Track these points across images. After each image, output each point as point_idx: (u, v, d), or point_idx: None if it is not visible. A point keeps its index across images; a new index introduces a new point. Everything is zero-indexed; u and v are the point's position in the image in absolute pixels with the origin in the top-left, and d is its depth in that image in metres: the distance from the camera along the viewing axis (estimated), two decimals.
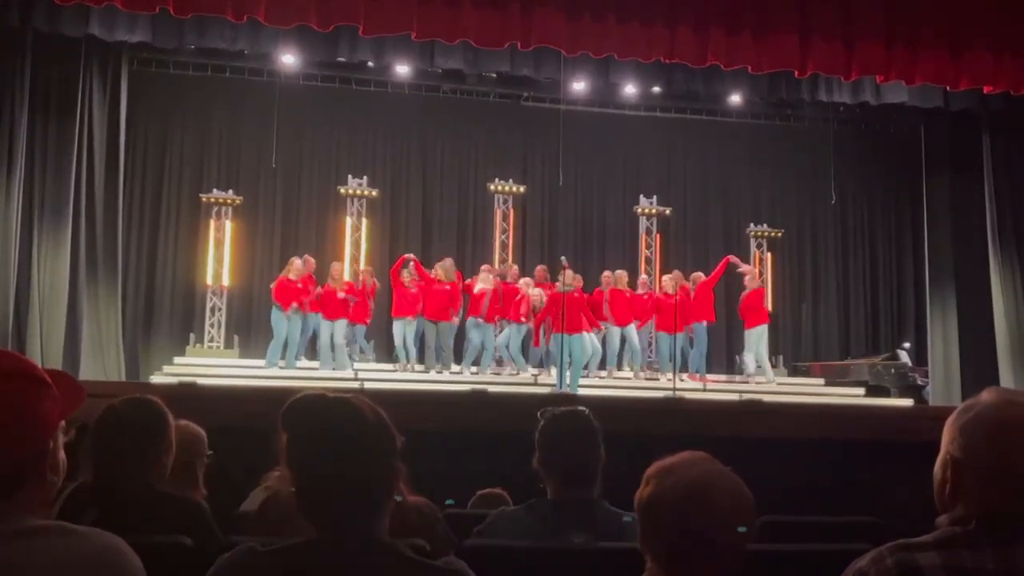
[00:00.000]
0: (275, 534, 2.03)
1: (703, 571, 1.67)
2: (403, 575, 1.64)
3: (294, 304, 10.80)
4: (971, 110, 12.04)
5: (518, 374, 11.14)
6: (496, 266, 12.51)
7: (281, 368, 10.84)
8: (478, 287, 11.16)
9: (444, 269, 11.27)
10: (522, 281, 11.39)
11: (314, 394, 1.71)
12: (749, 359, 11.46)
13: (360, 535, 1.64)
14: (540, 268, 11.82)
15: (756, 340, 11.42)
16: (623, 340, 11.53)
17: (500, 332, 11.29)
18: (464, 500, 3.85)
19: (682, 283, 11.49)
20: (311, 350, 11.46)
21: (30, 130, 10.62)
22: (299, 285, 10.95)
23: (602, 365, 11.52)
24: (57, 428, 1.53)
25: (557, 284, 10.59)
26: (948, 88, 10.96)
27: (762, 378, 11.47)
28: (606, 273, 11.66)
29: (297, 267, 10.99)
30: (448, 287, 11.12)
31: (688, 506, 1.66)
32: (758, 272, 12.54)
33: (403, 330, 11.07)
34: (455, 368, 11.30)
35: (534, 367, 11.38)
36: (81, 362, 10.53)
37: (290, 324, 10.86)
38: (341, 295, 10.99)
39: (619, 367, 11.68)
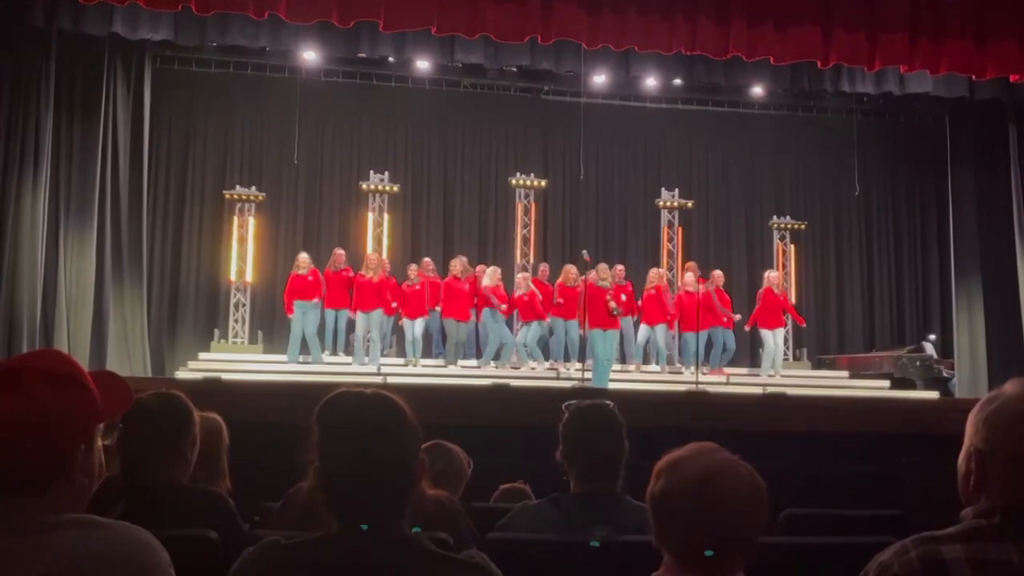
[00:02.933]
0: (299, 527, 2.04)
1: (719, 563, 1.67)
2: (426, 568, 1.64)
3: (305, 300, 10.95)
4: (997, 100, 11.88)
5: (535, 368, 11.17)
6: (518, 260, 12.56)
7: (305, 363, 10.92)
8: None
9: (462, 266, 11.34)
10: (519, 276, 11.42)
11: (352, 391, 1.72)
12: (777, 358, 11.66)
13: (384, 529, 1.65)
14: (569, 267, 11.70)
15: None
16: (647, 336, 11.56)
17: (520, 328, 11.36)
18: (487, 494, 3.87)
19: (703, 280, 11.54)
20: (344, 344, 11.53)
21: (55, 129, 10.72)
22: (309, 279, 11.02)
23: (624, 359, 11.54)
24: (90, 431, 1.53)
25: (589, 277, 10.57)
26: (973, 77, 10.83)
27: (771, 370, 11.57)
28: (619, 267, 11.63)
29: (302, 261, 11.10)
30: (467, 286, 11.17)
31: (700, 498, 1.66)
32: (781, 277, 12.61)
33: (411, 326, 11.21)
34: (470, 362, 11.34)
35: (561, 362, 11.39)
36: (107, 358, 10.63)
37: (303, 319, 10.93)
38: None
39: (645, 361, 11.68)
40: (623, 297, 10.85)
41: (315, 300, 10.98)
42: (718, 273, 11.95)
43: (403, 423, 1.69)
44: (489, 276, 11.24)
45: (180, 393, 2.83)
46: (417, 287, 11.24)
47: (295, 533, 1.71)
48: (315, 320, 11.02)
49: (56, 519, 1.44)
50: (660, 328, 11.43)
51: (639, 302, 11.34)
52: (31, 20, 10.07)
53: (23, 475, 1.44)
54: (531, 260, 12.61)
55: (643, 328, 11.47)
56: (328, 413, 1.69)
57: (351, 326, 11.16)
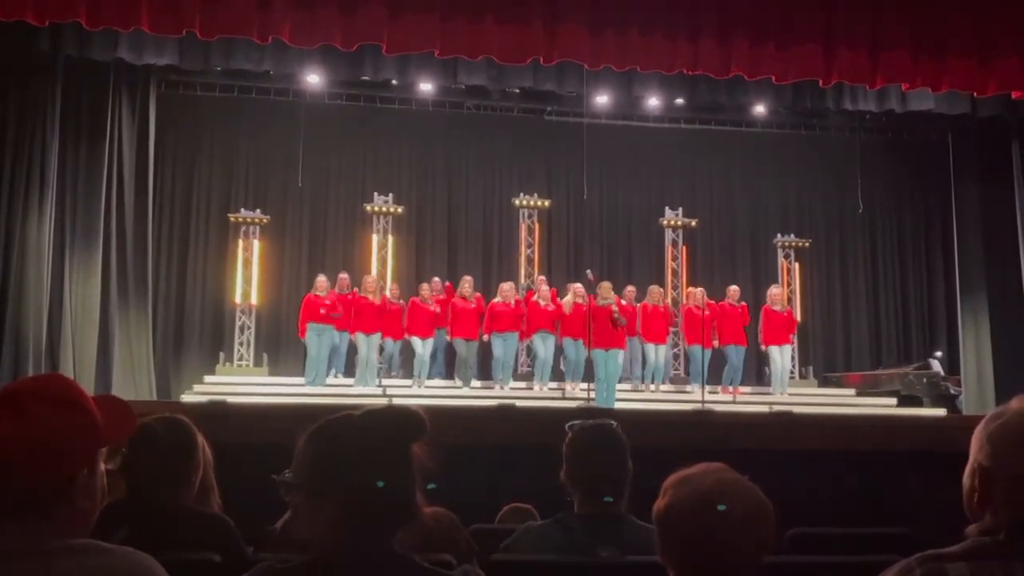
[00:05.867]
0: (297, 551, 2.03)
1: None
2: None
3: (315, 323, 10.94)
4: (1000, 116, 11.89)
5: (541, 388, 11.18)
6: (522, 280, 12.57)
7: (312, 385, 10.94)
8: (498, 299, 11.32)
9: (469, 286, 11.37)
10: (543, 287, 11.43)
11: (340, 415, 1.72)
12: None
13: (380, 550, 1.65)
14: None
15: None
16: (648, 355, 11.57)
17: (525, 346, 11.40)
18: (491, 515, 3.85)
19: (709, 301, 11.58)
20: (348, 366, 11.54)
21: (61, 153, 10.77)
22: (327, 301, 11.04)
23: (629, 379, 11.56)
24: (92, 455, 1.53)
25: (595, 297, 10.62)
26: (975, 95, 10.84)
27: (780, 388, 11.55)
28: (629, 287, 11.68)
29: (321, 284, 11.11)
30: (473, 305, 11.19)
31: (702, 514, 1.66)
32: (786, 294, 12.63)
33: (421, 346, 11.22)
34: (476, 383, 11.34)
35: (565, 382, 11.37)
36: (113, 382, 10.63)
37: (319, 340, 10.94)
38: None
39: (651, 381, 11.67)
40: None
41: (330, 324, 11.02)
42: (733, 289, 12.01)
43: (393, 444, 1.68)
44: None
45: (185, 418, 2.84)
46: (431, 307, 11.25)
47: (292, 556, 1.70)
48: (329, 342, 11.05)
49: (60, 544, 1.44)
50: (659, 347, 11.44)
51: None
52: (37, 46, 10.13)
53: (25, 499, 1.44)
54: (535, 280, 12.61)
55: (645, 347, 11.47)
56: (316, 437, 1.69)
57: (354, 348, 11.20)
